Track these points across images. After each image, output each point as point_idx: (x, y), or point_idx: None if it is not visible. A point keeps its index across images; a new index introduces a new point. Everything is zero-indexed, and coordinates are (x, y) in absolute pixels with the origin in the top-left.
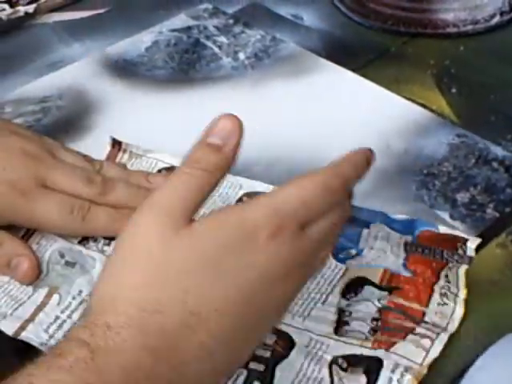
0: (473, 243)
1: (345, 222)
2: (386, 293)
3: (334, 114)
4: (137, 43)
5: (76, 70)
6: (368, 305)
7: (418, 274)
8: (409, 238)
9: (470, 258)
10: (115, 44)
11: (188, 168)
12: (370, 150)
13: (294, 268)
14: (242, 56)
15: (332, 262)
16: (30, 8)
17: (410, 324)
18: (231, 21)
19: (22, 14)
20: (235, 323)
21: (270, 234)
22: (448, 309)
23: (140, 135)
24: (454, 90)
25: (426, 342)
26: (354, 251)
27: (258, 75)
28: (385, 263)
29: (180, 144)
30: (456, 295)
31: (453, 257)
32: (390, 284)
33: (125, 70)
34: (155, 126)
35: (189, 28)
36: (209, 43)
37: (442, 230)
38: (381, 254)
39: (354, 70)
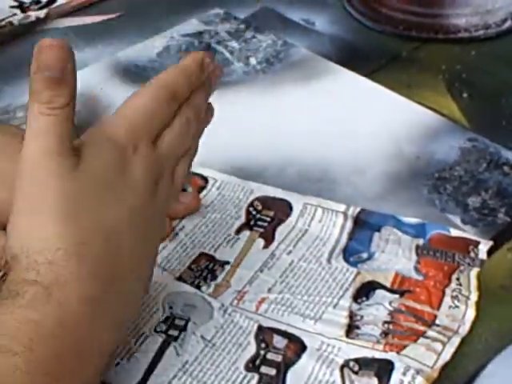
0: (485, 246)
1: (196, 131)
2: (397, 296)
3: (345, 119)
4: (148, 48)
5: (87, 75)
6: (379, 308)
7: (429, 277)
8: (420, 241)
9: (482, 260)
10: (126, 49)
11: (46, 109)
12: (206, 55)
13: (152, 180)
14: (253, 61)
15: (343, 265)
16: (42, 13)
17: (421, 327)
18: (242, 26)
19: (33, 19)
20: (136, 235)
21: (133, 150)
22: (459, 312)
23: None
24: (465, 95)
25: (438, 346)
26: (365, 255)
27: (270, 80)
28: (396, 266)
29: None
30: (468, 298)
31: (464, 260)
32: (401, 287)
33: (136, 75)
34: None
35: (200, 33)
36: (220, 48)
37: (454, 232)
38: (392, 257)
39: (365, 75)
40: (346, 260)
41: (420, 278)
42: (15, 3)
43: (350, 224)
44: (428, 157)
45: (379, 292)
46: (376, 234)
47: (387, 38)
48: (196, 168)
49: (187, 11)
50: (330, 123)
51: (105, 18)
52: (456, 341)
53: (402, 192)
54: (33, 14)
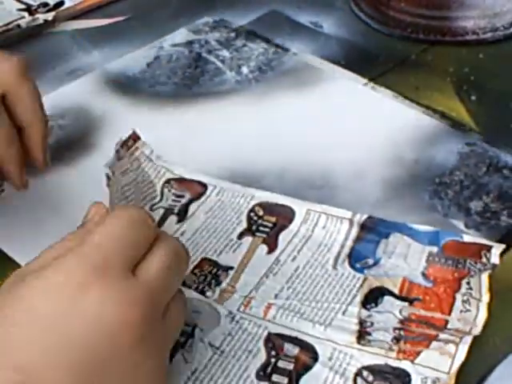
0: (497, 249)
1: (181, 260)
2: (406, 304)
3: (341, 126)
4: (138, 59)
5: (77, 87)
6: (389, 316)
7: (438, 283)
8: (434, 249)
9: (494, 264)
10: (115, 60)
11: None
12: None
13: (134, 313)
14: (245, 70)
15: (350, 271)
16: (49, 16)
17: (432, 332)
18: (232, 34)
19: (41, 21)
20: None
21: (92, 277)
22: (471, 315)
23: None
24: (473, 98)
25: (451, 348)
26: (370, 261)
27: (263, 88)
28: (403, 272)
29: (185, 159)
30: (479, 300)
31: (476, 265)
32: (410, 294)
33: (127, 86)
34: (160, 142)
35: (190, 42)
36: (211, 57)
37: (467, 238)
38: (399, 263)
39: (373, 78)
40: (352, 266)
41: (429, 284)
42: (23, 6)
43: (355, 230)
44: (427, 162)
45: (388, 298)
46: (383, 241)
47: (395, 40)
48: (196, 175)
49: (196, 13)
50: (327, 130)
51: (112, 20)
52: (468, 340)
53: (404, 198)
54: (40, 17)
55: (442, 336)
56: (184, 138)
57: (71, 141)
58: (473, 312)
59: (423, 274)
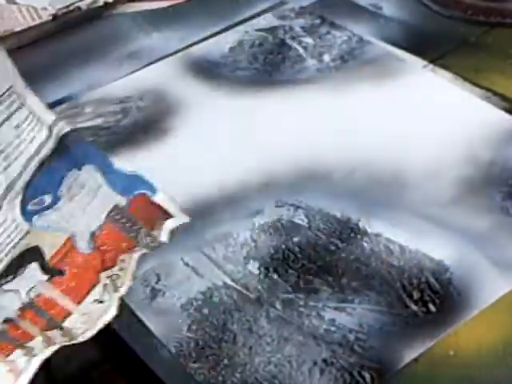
0: (173, 223)
1: None
2: (46, 278)
3: (418, 120)
4: (221, 43)
5: (157, 70)
6: (14, 298)
7: (98, 252)
8: (123, 202)
9: (161, 243)
10: (199, 44)
11: None
12: None
13: None
14: (327, 58)
15: (16, 218)
16: None
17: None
18: (318, 21)
19: (101, 3)
20: None
21: None
22: (101, 309)
23: (221, 138)
24: None
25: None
26: (48, 199)
27: (342, 78)
28: (74, 227)
29: (257, 147)
30: (116, 290)
31: (146, 238)
32: (61, 262)
33: (207, 70)
34: (236, 129)
35: (274, 28)
36: (294, 44)
37: (158, 197)
38: (77, 212)
39: (432, 60)
40: (22, 209)
41: (88, 250)
42: None
43: (49, 146)
44: (503, 162)
45: (33, 268)
46: (74, 172)
47: (455, 22)
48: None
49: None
50: (403, 125)
51: (173, 2)
52: (36, 363)
53: (474, 198)
54: None
55: (30, 344)
56: (259, 125)
57: (148, 123)
58: (104, 306)
59: (92, 235)
